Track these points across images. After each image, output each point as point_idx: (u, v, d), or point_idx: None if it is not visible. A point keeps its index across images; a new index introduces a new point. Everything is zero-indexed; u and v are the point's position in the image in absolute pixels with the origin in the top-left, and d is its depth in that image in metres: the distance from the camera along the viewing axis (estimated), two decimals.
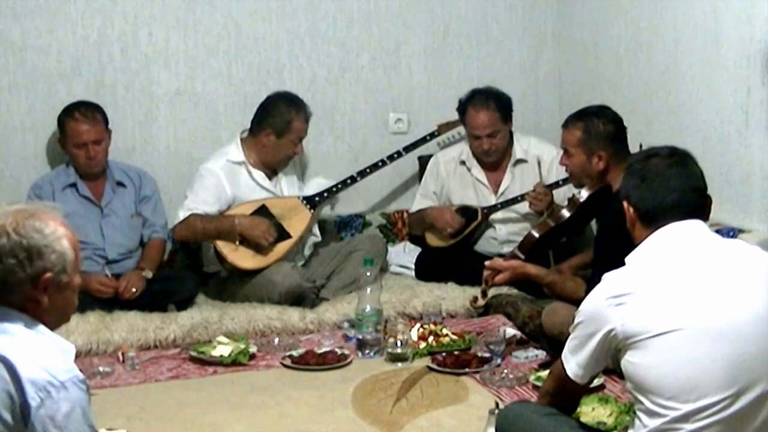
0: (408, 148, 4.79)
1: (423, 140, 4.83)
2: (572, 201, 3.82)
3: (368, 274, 3.79)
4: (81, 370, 1.95)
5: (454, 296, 4.23)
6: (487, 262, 3.72)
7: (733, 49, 3.87)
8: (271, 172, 4.47)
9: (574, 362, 2.31)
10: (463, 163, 4.65)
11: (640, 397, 2.20)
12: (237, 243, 4.27)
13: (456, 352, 3.63)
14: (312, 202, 4.45)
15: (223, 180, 4.33)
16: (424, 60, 5.05)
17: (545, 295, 3.75)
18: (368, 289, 3.74)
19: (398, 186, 5.09)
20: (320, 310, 4.12)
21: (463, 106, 4.54)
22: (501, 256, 4.06)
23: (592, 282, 2.42)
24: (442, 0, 5.03)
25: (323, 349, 3.72)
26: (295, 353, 3.70)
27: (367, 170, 4.66)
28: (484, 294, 3.78)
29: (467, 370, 3.48)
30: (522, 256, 3.85)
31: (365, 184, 4.76)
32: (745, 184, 3.89)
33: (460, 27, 5.07)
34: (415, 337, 3.74)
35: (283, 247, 4.34)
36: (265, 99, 4.45)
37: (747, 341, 2.13)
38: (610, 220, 3.16)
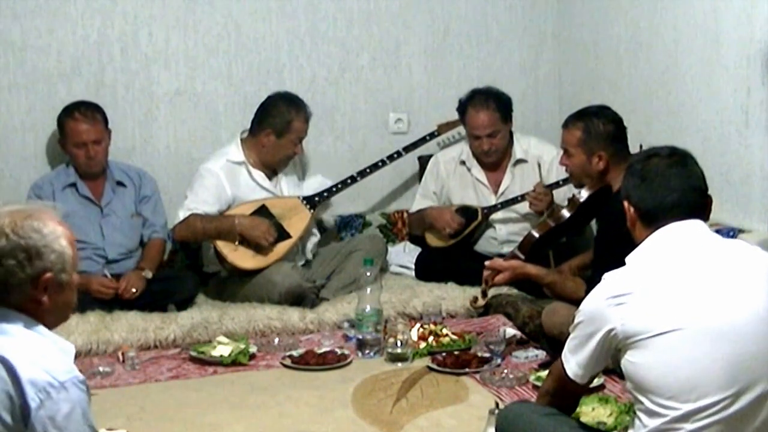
0: (408, 148, 4.79)
1: (423, 140, 4.83)
2: (572, 201, 3.82)
3: (368, 274, 3.79)
4: (81, 370, 1.95)
5: (454, 296, 4.23)
6: (487, 262, 3.72)
7: (733, 49, 3.87)
8: (271, 172, 4.47)
9: (574, 362, 2.31)
10: (463, 163, 4.65)
11: (640, 397, 2.20)
12: (237, 243, 4.27)
13: (456, 352, 3.63)
14: (312, 202, 4.45)
15: (223, 180, 4.33)
16: (424, 60, 5.05)
17: (545, 295, 3.75)
18: (368, 289, 3.74)
19: (398, 186, 5.09)
20: (320, 310, 4.12)
21: (463, 106, 4.54)
22: (501, 256, 4.06)
23: (592, 282, 2.42)
24: (442, 0, 5.03)
25: (323, 349, 3.72)
26: (295, 353, 3.70)
27: (367, 170, 4.66)
28: (484, 294, 3.78)
29: (467, 370, 3.48)
30: (522, 256, 3.85)
31: (365, 184, 4.76)
32: (745, 184, 3.89)
33: (460, 27, 5.07)
34: (415, 337, 3.74)
35: (283, 247, 4.34)
36: (265, 99, 4.45)
37: (747, 341, 2.13)
38: (610, 220, 3.16)
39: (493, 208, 4.55)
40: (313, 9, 4.85)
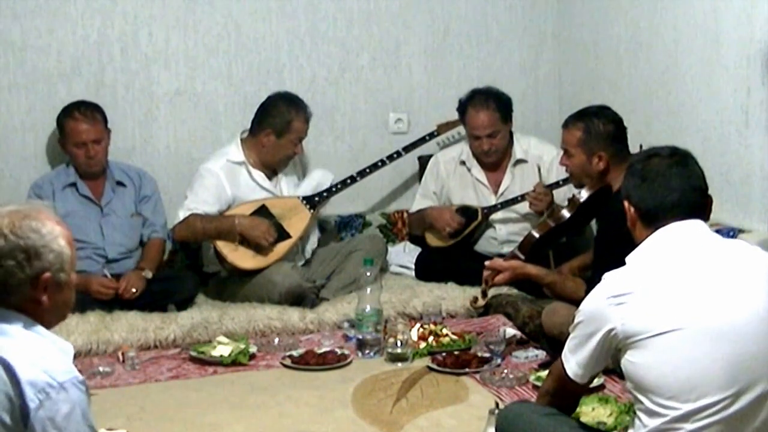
0: (408, 148, 4.79)
1: (422, 140, 4.83)
2: (572, 201, 3.82)
3: (368, 274, 3.78)
4: (81, 370, 1.95)
5: (454, 296, 4.23)
6: (487, 263, 3.71)
7: (733, 49, 3.87)
8: (271, 172, 4.47)
9: (574, 362, 2.31)
10: (463, 163, 4.65)
11: (640, 397, 2.20)
12: (237, 243, 4.27)
13: (456, 352, 3.63)
14: (312, 202, 4.45)
15: (223, 180, 4.33)
16: (424, 60, 5.05)
17: (545, 295, 3.75)
18: (368, 289, 3.74)
19: (398, 186, 5.09)
20: (320, 310, 4.12)
21: (463, 106, 4.54)
22: (501, 256, 4.06)
23: (592, 282, 2.41)
24: (442, 0, 5.03)
25: (323, 349, 3.72)
26: (295, 353, 3.69)
27: (367, 170, 4.66)
28: (484, 294, 3.78)
29: (467, 370, 3.48)
30: (522, 257, 3.84)
31: (365, 184, 4.76)
32: (745, 184, 3.89)
33: (460, 27, 5.07)
34: (415, 337, 3.73)
35: (283, 247, 4.34)
36: (265, 99, 4.45)
37: (747, 341, 2.13)
38: (610, 220, 3.16)
39: (493, 208, 4.55)
40: (313, 9, 4.85)
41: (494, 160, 4.58)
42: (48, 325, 1.99)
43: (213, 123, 4.79)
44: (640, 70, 4.49)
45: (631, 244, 2.34)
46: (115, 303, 4.07)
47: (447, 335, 3.76)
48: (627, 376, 2.24)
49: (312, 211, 4.44)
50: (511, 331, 3.80)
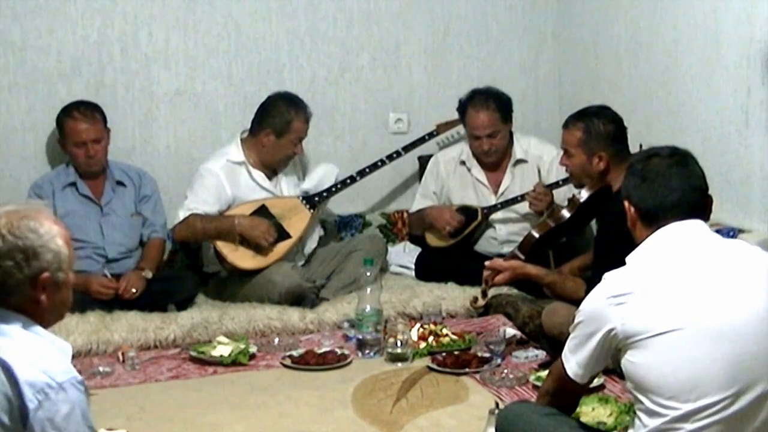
0: (407, 148, 4.79)
1: (422, 140, 4.83)
2: (572, 201, 3.81)
3: (368, 274, 3.78)
4: (81, 371, 1.95)
5: (454, 296, 4.22)
6: (487, 263, 3.71)
7: (733, 49, 3.87)
8: (271, 172, 4.47)
9: (574, 362, 2.31)
10: (463, 163, 4.65)
11: (640, 397, 2.20)
12: (237, 243, 4.27)
13: (456, 352, 3.63)
14: (312, 202, 4.45)
15: (223, 180, 4.33)
16: (424, 60, 5.05)
17: (545, 295, 3.75)
18: (368, 289, 3.73)
19: (398, 186, 5.09)
20: (320, 310, 4.12)
21: (463, 106, 4.54)
22: (501, 256, 4.06)
23: (592, 282, 2.41)
24: (442, 0, 5.03)
25: (323, 349, 3.72)
26: (295, 353, 3.69)
27: (367, 170, 4.66)
28: (484, 294, 3.78)
29: (467, 370, 3.48)
30: (522, 257, 3.84)
31: (365, 184, 4.76)
32: (745, 184, 3.88)
33: (460, 27, 5.07)
34: (415, 337, 3.73)
35: (283, 247, 4.34)
36: (265, 99, 4.45)
37: (747, 341, 2.13)
38: (610, 220, 3.16)
39: (493, 208, 4.55)
40: (313, 9, 4.85)
41: (494, 160, 4.58)
42: (46, 325, 1.99)
43: (213, 123, 4.79)
44: (640, 70, 4.48)
45: (631, 244, 2.34)
46: (115, 303, 4.07)
47: (447, 335, 3.76)
48: (627, 376, 2.24)
49: (312, 211, 4.44)
50: (511, 331, 3.79)
